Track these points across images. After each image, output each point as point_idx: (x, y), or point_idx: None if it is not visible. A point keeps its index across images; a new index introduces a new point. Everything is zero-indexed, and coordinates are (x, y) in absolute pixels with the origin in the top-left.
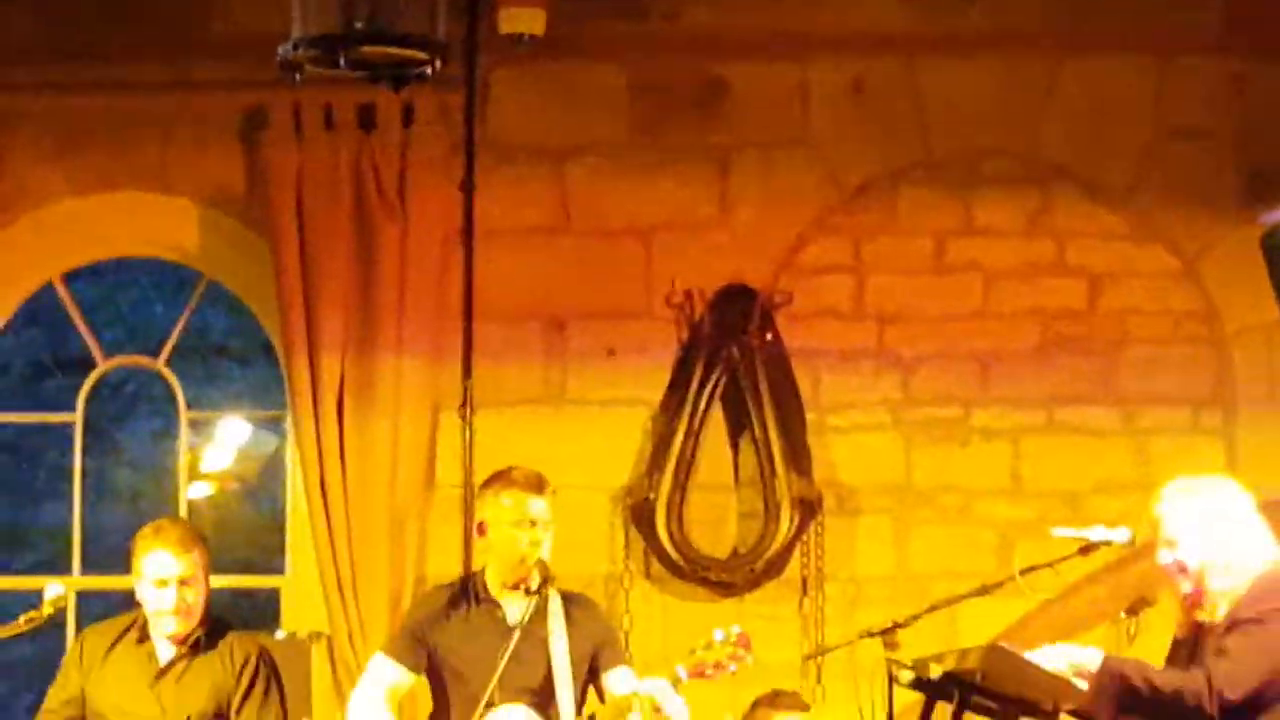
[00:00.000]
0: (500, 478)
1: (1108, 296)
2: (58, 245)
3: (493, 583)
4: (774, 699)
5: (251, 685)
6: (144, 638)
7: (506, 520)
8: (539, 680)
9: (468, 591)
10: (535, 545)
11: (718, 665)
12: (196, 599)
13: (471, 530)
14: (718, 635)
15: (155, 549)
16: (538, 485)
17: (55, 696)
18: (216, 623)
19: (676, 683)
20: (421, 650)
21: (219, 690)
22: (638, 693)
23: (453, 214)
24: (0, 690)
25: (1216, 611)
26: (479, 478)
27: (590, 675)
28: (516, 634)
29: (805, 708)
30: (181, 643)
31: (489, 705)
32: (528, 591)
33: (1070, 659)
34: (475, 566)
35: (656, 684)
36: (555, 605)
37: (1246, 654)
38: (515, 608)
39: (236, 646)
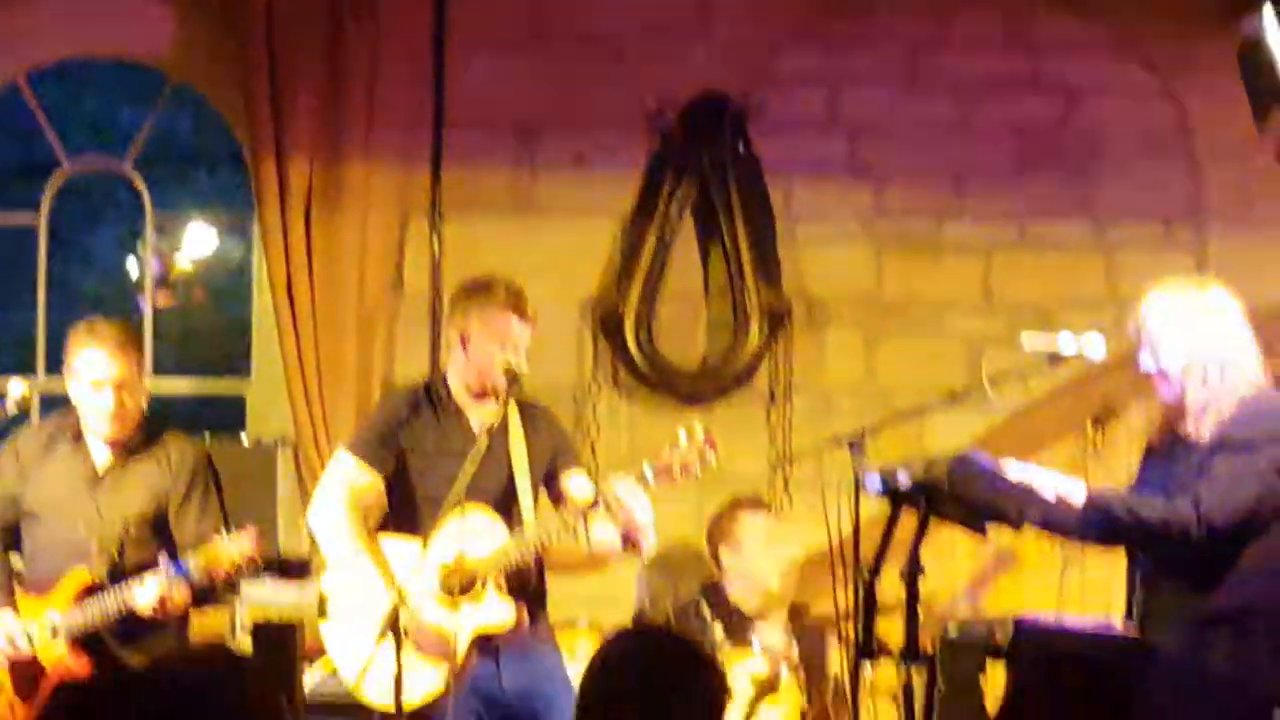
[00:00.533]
0: (485, 292)
1: (1083, 110)
2: (22, 44)
3: (456, 388)
4: (738, 502)
5: (190, 487)
6: (79, 438)
7: (486, 337)
8: (500, 485)
9: (432, 396)
10: (511, 362)
11: (684, 467)
12: (134, 403)
13: (440, 336)
14: (683, 436)
15: (90, 348)
16: (521, 308)
17: None
18: (153, 424)
19: (643, 482)
20: (390, 453)
21: (158, 493)
22: (602, 493)
23: (425, 19)
24: None
25: (1201, 427)
26: (447, 284)
27: (547, 480)
28: (484, 439)
29: (769, 508)
30: (118, 446)
31: (456, 507)
32: (496, 398)
33: (1056, 488)
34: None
35: (623, 483)
36: (513, 412)
37: (1235, 479)
38: (479, 414)
39: (175, 449)
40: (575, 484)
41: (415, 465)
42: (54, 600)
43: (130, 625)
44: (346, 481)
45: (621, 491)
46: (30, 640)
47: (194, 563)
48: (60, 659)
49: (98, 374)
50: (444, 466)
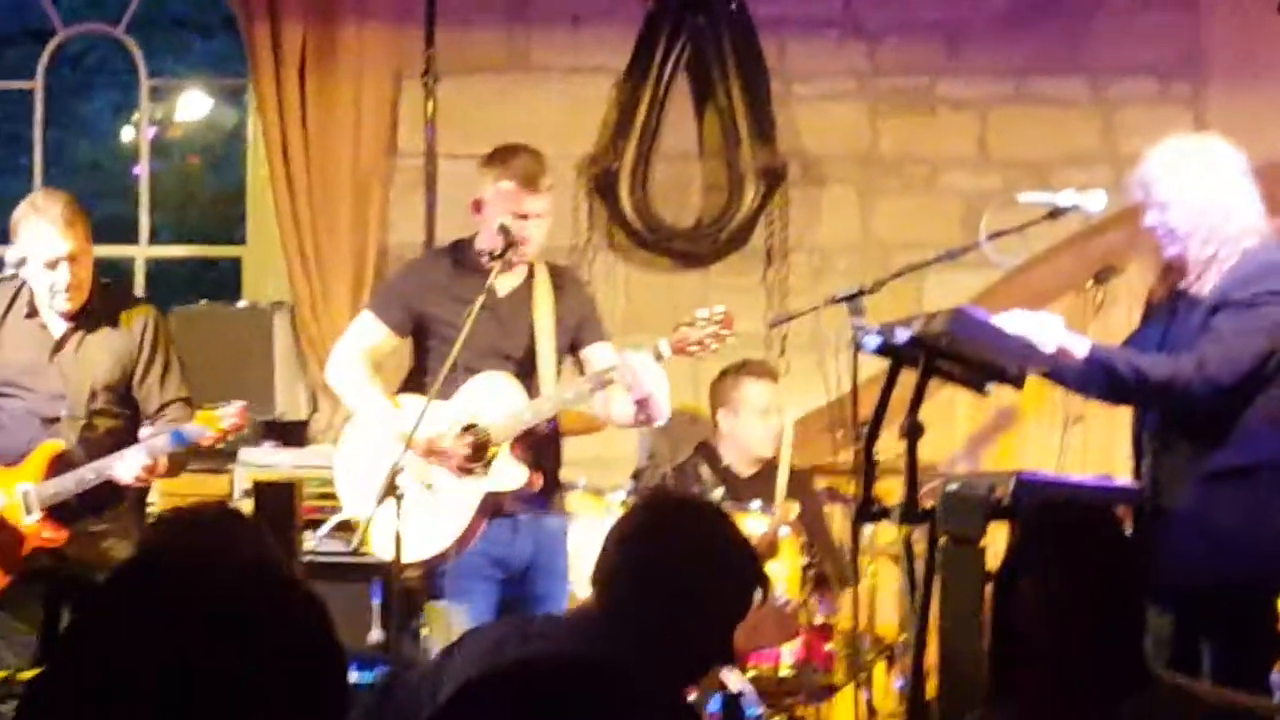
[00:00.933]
0: (502, 162)
1: None
2: None
3: (481, 253)
4: (742, 366)
5: (154, 352)
6: (32, 312)
7: (499, 205)
8: (522, 350)
9: (458, 258)
10: (528, 233)
11: (700, 343)
12: (86, 273)
13: (434, 201)
14: (701, 313)
15: (40, 224)
16: (537, 182)
17: None
18: (106, 290)
19: (658, 356)
20: (409, 314)
21: (122, 358)
22: (618, 364)
23: None
24: None
25: (1204, 283)
26: (441, 146)
27: (571, 349)
28: (481, 298)
29: (774, 376)
30: (75, 317)
31: (470, 371)
32: (511, 265)
33: (1058, 341)
34: (442, 235)
35: (638, 356)
36: (543, 276)
37: (1238, 336)
38: (504, 278)
39: (135, 314)
40: (598, 354)
41: (435, 327)
42: (25, 472)
43: (91, 495)
44: (365, 338)
45: (637, 364)
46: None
47: (191, 429)
48: (34, 530)
49: (51, 253)
50: (466, 329)
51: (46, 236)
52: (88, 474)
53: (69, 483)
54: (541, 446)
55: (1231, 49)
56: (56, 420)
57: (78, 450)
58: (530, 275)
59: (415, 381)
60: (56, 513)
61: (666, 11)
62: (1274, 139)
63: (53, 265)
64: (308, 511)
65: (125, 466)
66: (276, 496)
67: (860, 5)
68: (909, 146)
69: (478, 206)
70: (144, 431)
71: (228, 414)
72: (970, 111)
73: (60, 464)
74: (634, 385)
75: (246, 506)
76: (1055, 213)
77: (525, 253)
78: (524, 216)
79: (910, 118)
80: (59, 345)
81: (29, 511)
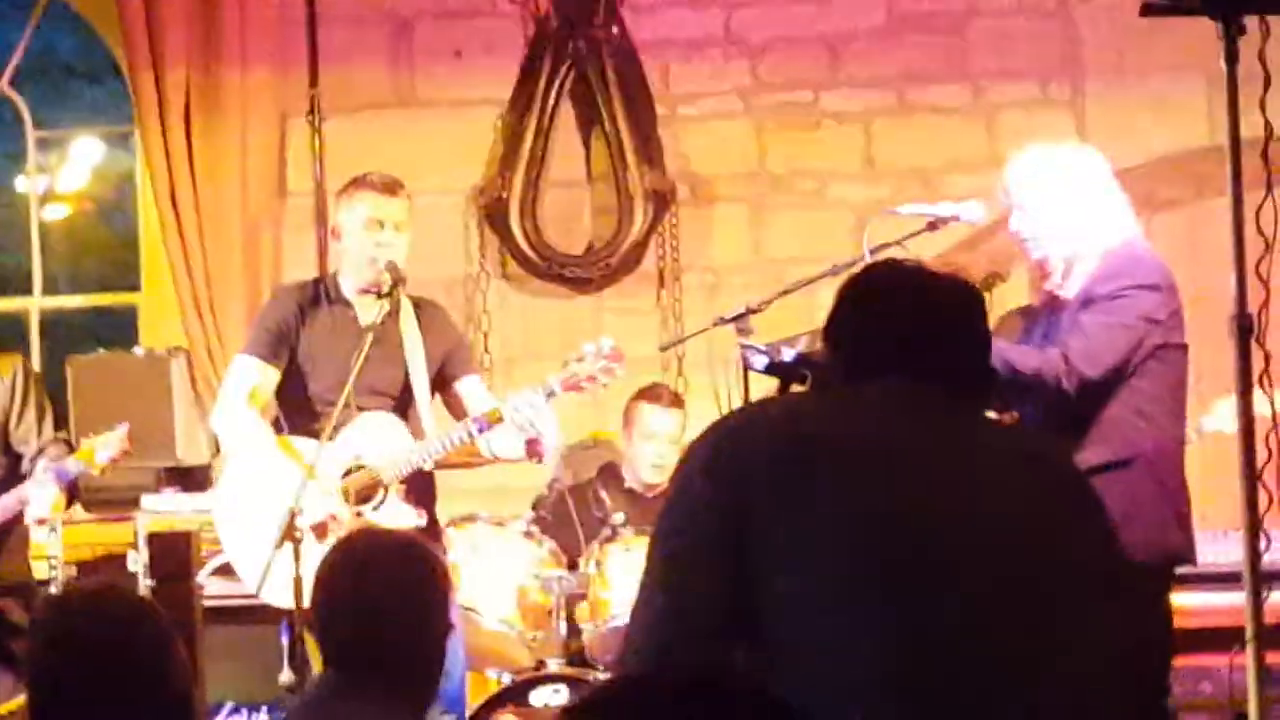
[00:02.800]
0: (354, 182)
1: None
2: None
3: (345, 285)
4: (643, 390)
5: (26, 396)
6: None
7: (359, 222)
8: (397, 386)
9: (320, 291)
10: (386, 247)
11: (590, 378)
12: None
13: (326, 238)
14: (588, 348)
15: None
16: (391, 187)
17: None
18: None
19: (550, 394)
20: (284, 346)
21: None
22: (510, 405)
23: None
24: None
25: (1069, 286)
26: (330, 185)
27: (440, 383)
28: (370, 335)
29: (674, 403)
30: None
31: (347, 407)
32: (379, 295)
33: None
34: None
35: (529, 397)
36: (407, 310)
37: (1102, 330)
38: (368, 310)
39: (4, 364)
40: (470, 388)
41: (306, 364)
42: None
43: None
44: (245, 380)
45: (524, 406)
46: None
47: (73, 465)
48: None
49: None
50: (335, 364)
51: None
52: None
53: None
54: (424, 485)
55: (1108, 50)
56: None
57: None
58: (395, 308)
59: (290, 422)
60: None
61: (548, 39)
62: (1150, 137)
63: None
64: (209, 556)
65: (37, 507)
66: (172, 546)
67: (741, 22)
68: (796, 161)
69: (335, 233)
70: (43, 469)
71: (108, 442)
72: (854, 123)
73: None
74: (526, 427)
75: (144, 555)
76: (935, 223)
77: (388, 262)
78: (381, 224)
79: (796, 132)
80: None
81: None
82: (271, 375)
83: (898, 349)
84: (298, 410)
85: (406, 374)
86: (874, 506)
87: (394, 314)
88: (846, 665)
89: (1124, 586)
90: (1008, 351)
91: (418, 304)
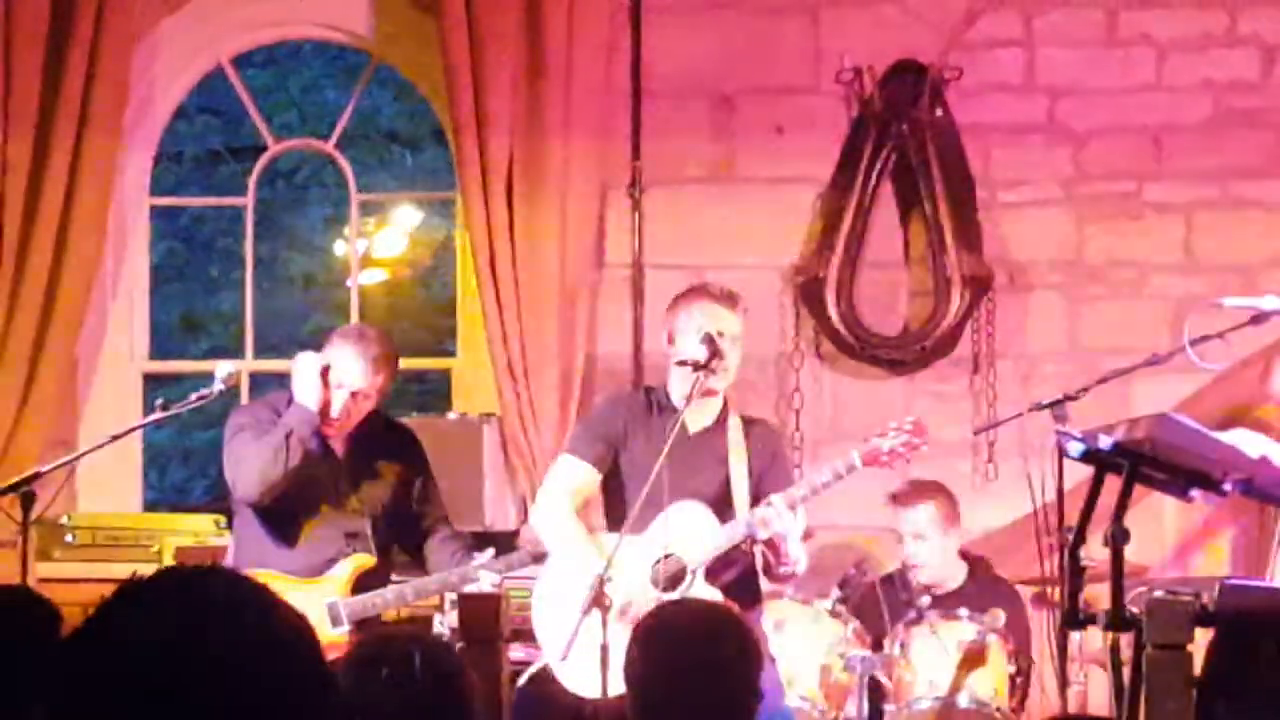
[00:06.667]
0: (693, 290)
1: None
2: (225, 28)
3: (674, 393)
4: (905, 491)
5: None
6: None
7: (694, 331)
8: (715, 492)
9: (650, 398)
10: (724, 347)
11: (893, 453)
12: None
13: (641, 311)
14: (892, 424)
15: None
16: (729, 299)
17: None
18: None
19: (850, 468)
20: (608, 449)
21: (403, 477)
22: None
23: None
24: (180, 475)
25: None
26: (648, 256)
27: (757, 496)
28: (695, 443)
29: (934, 496)
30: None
31: (660, 507)
32: (695, 368)
33: (1262, 450)
34: (650, 345)
35: (778, 505)
36: (735, 423)
37: None
38: (695, 417)
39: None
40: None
41: (631, 465)
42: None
43: None
44: (570, 481)
45: (768, 511)
46: None
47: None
48: (339, 641)
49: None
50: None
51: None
52: (407, 592)
53: (387, 597)
54: (738, 572)
55: None
56: (356, 536)
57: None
58: (723, 417)
59: (609, 520)
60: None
61: (870, 120)
62: None
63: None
64: (515, 622)
65: (488, 576)
66: (481, 609)
67: (1064, 110)
68: (1115, 252)
69: (669, 338)
70: (478, 556)
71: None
72: (1175, 215)
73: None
74: (759, 528)
75: (452, 620)
76: (1259, 317)
77: (722, 371)
78: (720, 335)
79: (1116, 222)
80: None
81: (335, 624)
82: (592, 474)
83: None
84: (619, 509)
85: (727, 479)
86: None
87: (721, 424)
88: None
89: None
90: None
91: (747, 420)
